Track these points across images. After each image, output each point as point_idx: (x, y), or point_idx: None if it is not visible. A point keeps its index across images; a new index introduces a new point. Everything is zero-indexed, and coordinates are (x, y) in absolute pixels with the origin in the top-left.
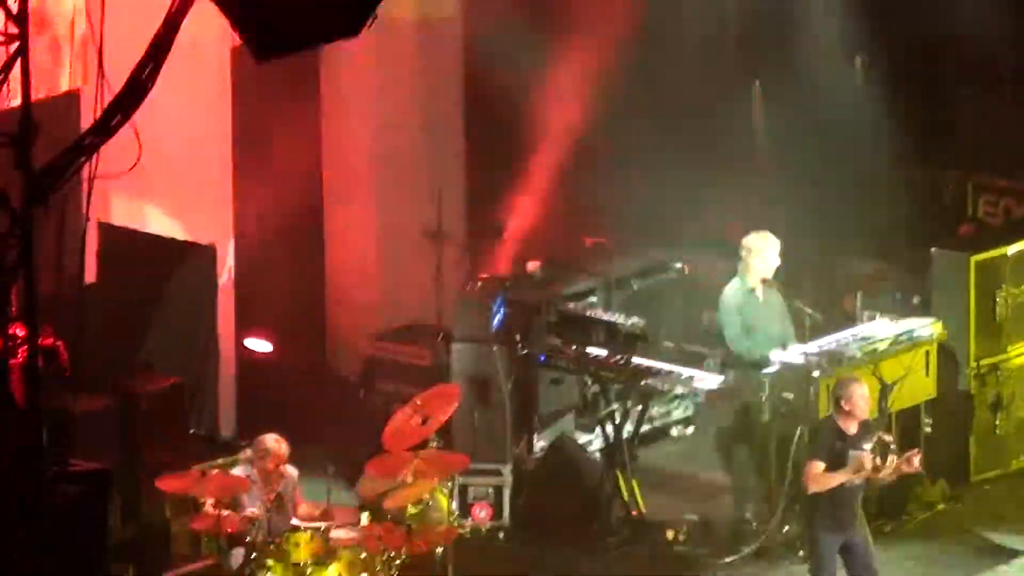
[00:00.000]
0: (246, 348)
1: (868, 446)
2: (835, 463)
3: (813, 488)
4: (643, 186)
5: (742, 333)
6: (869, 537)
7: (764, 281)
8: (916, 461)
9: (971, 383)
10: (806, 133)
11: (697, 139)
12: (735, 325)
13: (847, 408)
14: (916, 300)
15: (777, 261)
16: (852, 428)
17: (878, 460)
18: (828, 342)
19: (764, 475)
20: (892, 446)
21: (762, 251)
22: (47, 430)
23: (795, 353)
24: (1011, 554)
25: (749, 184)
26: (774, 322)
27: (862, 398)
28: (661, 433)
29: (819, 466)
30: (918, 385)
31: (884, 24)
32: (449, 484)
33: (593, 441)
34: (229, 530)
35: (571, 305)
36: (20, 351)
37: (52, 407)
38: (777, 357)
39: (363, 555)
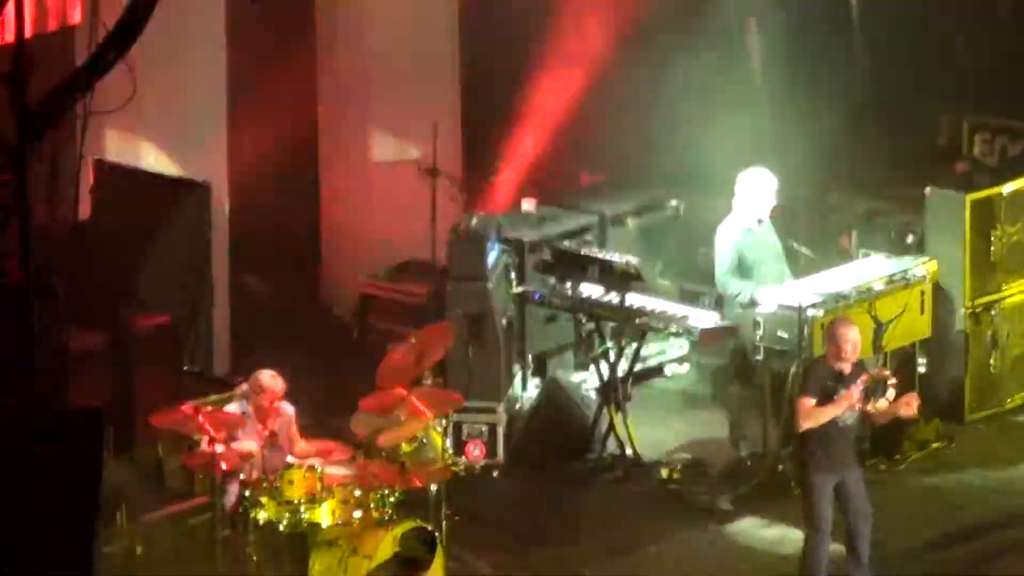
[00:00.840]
0: (240, 285)
1: (859, 383)
2: (825, 401)
3: (805, 424)
4: (639, 124)
5: (736, 271)
6: (861, 477)
7: (759, 220)
8: (914, 405)
9: (966, 322)
10: (802, 71)
11: (693, 76)
12: (728, 263)
13: (834, 349)
14: (911, 239)
15: (773, 200)
16: (845, 368)
17: (876, 398)
18: (823, 281)
19: (758, 414)
20: (891, 380)
21: (758, 189)
22: (40, 366)
23: (789, 292)
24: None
25: (745, 122)
26: (769, 261)
27: (849, 342)
28: (655, 371)
29: (810, 402)
30: (913, 324)
31: None
32: (443, 422)
33: (587, 379)
34: (223, 467)
35: (566, 243)
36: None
37: (46, 344)
38: (771, 296)
39: (357, 492)
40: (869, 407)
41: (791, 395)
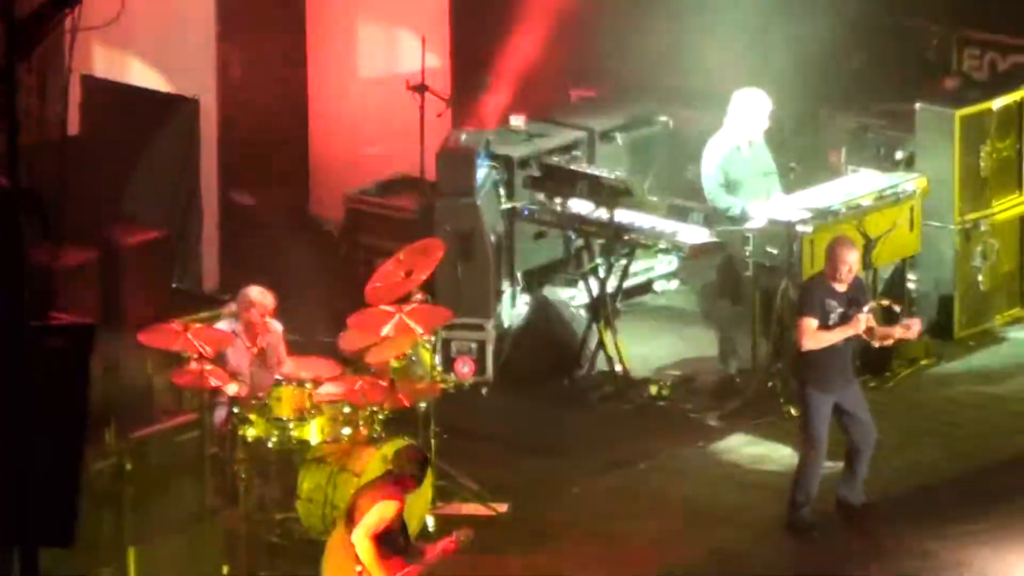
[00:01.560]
0: (230, 201)
1: (867, 308)
2: (825, 320)
3: (809, 345)
4: (629, 39)
5: (723, 188)
6: (861, 394)
7: (751, 141)
8: (916, 328)
9: (956, 239)
10: None
11: None
12: (716, 179)
13: (830, 269)
14: (900, 155)
15: (765, 122)
16: (841, 286)
17: (875, 326)
18: (812, 196)
19: (747, 330)
20: (897, 310)
21: (751, 109)
22: (29, 283)
23: (779, 207)
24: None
25: (735, 36)
26: (758, 180)
27: (846, 263)
28: (645, 288)
29: (813, 323)
30: (902, 241)
31: None
32: (432, 339)
33: (577, 296)
34: (212, 385)
35: (555, 159)
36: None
37: (34, 260)
38: (760, 212)
39: (346, 410)
40: (875, 341)
41: (780, 313)
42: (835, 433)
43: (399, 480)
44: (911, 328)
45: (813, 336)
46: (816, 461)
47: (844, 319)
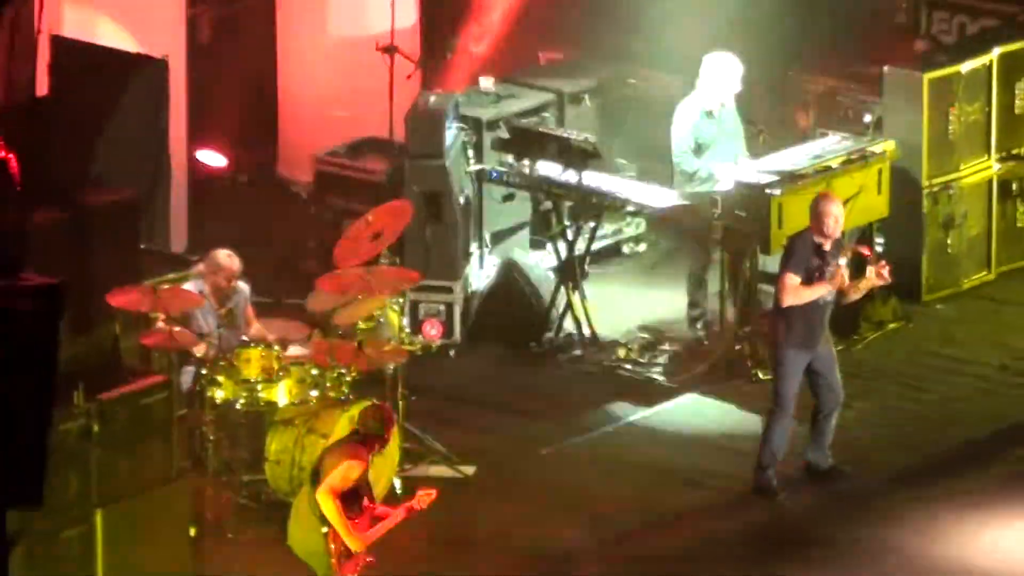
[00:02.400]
0: (198, 162)
1: (843, 260)
2: (808, 278)
3: (789, 301)
4: (599, 1)
5: (692, 152)
6: (835, 354)
7: (722, 104)
8: (886, 272)
9: (924, 202)
10: None
11: None
12: (686, 142)
13: (818, 224)
14: (868, 118)
15: (737, 86)
16: (827, 243)
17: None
18: (781, 159)
19: (716, 293)
20: (867, 254)
21: (722, 74)
22: None
23: (747, 170)
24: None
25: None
26: (727, 144)
27: (832, 216)
28: (613, 250)
29: (795, 279)
30: (870, 203)
31: None
32: (400, 301)
33: (545, 258)
34: (180, 346)
35: (524, 121)
36: None
37: (3, 220)
38: (728, 174)
39: (313, 371)
40: (851, 292)
41: (748, 274)
42: (804, 396)
43: (365, 440)
44: (882, 273)
45: (794, 292)
46: (783, 421)
47: (824, 274)
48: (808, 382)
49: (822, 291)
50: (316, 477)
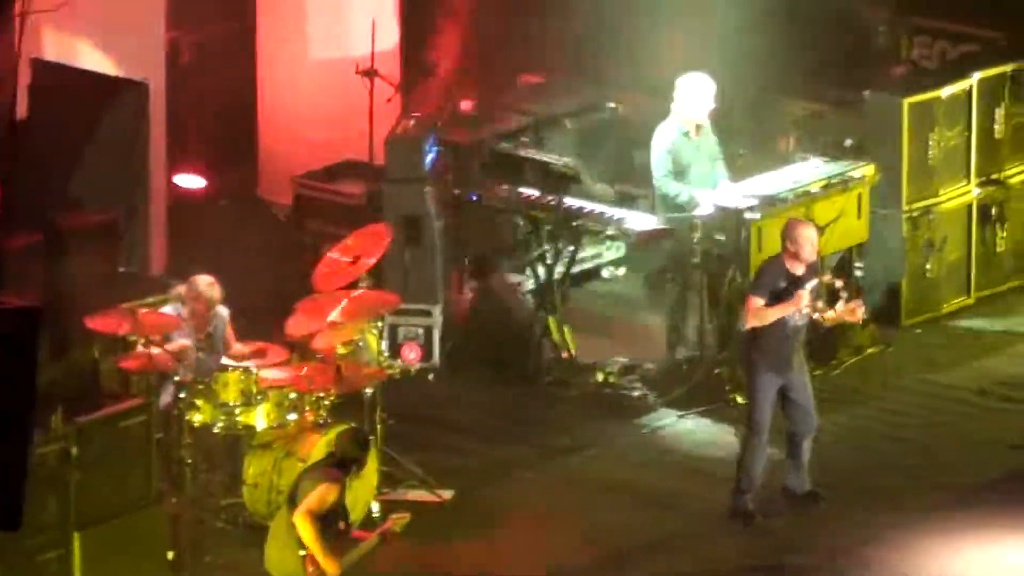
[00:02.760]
0: (177, 185)
1: (811, 284)
2: (776, 302)
3: (752, 322)
4: (579, 25)
5: (671, 175)
6: (809, 380)
7: (698, 125)
8: (860, 313)
9: (903, 227)
10: None
11: None
12: (664, 166)
13: (792, 250)
14: (849, 143)
15: (711, 104)
16: (799, 269)
17: (820, 303)
18: (760, 184)
19: (695, 317)
20: (840, 287)
21: (696, 94)
22: None
23: (727, 194)
24: None
25: (685, 23)
26: (704, 165)
27: (808, 241)
28: (592, 274)
29: (759, 301)
30: (850, 228)
31: None
32: (379, 325)
33: (524, 282)
34: (159, 369)
35: (504, 144)
36: None
37: None
38: (708, 198)
39: (292, 395)
40: (816, 314)
41: (727, 298)
42: (779, 421)
43: (341, 464)
44: (856, 311)
45: (756, 313)
46: (759, 446)
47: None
48: (782, 407)
49: (780, 313)
50: (293, 500)
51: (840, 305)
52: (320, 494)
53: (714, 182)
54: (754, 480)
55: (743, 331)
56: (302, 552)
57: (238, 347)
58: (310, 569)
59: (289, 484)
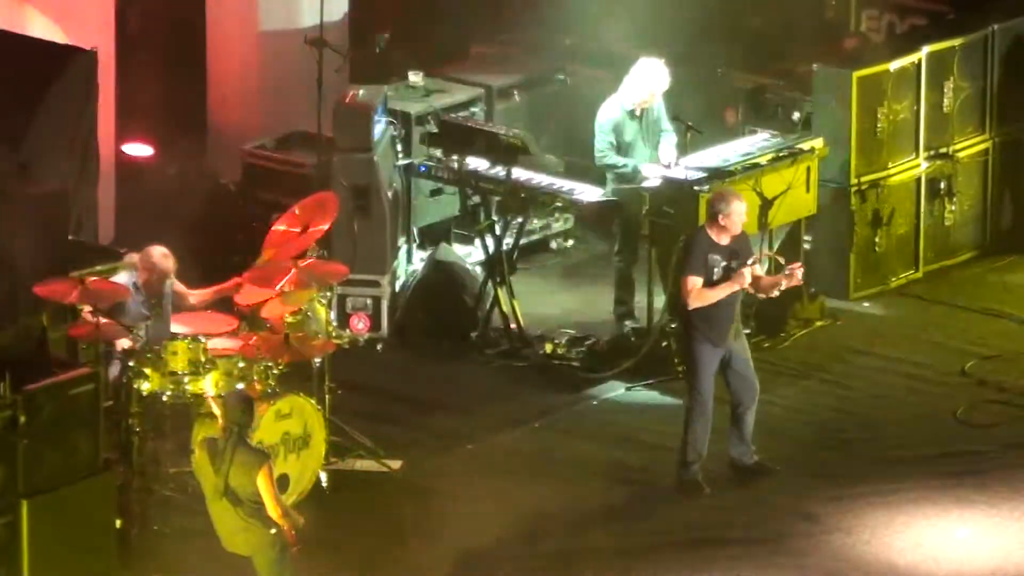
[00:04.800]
0: (126, 153)
1: (750, 260)
2: (709, 275)
3: (694, 304)
4: None
5: (613, 149)
6: (747, 348)
7: (644, 106)
8: (799, 274)
9: (852, 200)
10: None
11: None
12: (606, 140)
13: (723, 222)
14: (797, 116)
15: (661, 89)
16: (724, 240)
17: (762, 276)
18: (709, 156)
19: (643, 289)
20: (781, 261)
21: (649, 79)
22: None
23: (675, 166)
24: None
25: None
26: (648, 144)
27: (740, 213)
28: (541, 246)
29: (698, 281)
30: (798, 201)
31: None
32: (327, 294)
33: (472, 253)
34: (107, 338)
35: (452, 115)
36: None
37: None
38: (653, 171)
39: (240, 364)
40: (757, 287)
41: (676, 272)
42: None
43: (239, 433)
44: (793, 274)
45: (698, 294)
46: (703, 416)
47: (728, 272)
48: (723, 377)
49: (724, 293)
50: (234, 497)
51: (761, 266)
52: (267, 482)
53: (657, 158)
54: (700, 451)
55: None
56: (272, 530)
57: (197, 293)
58: (289, 536)
59: None
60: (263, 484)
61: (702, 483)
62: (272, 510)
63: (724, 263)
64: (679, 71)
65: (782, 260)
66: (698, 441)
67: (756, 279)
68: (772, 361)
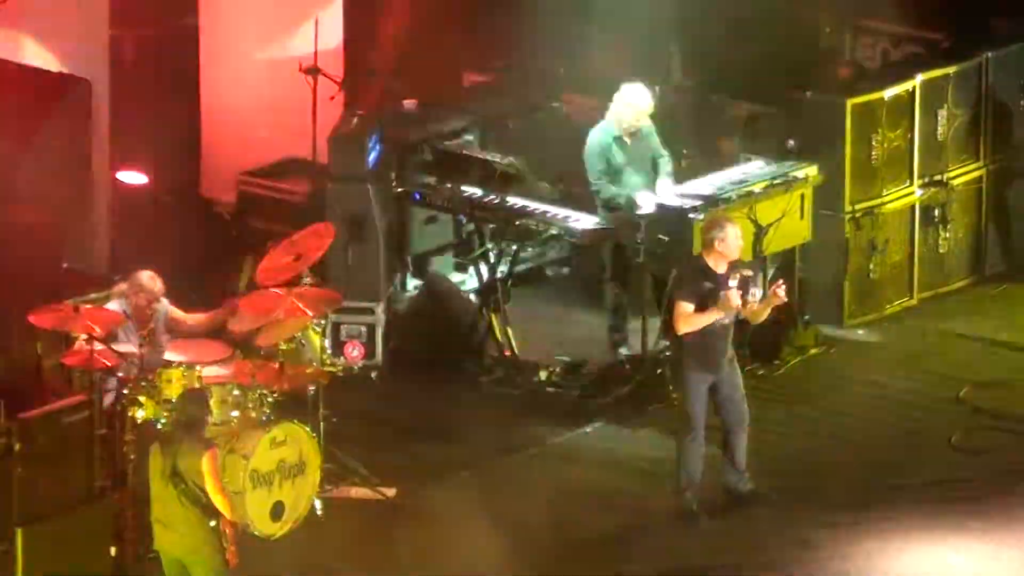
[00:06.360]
0: (120, 181)
1: (733, 283)
2: (703, 303)
3: (684, 329)
4: (523, 24)
5: (606, 178)
6: (739, 375)
7: (632, 131)
8: (781, 292)
9: (846, 227)
10: None
11: None
12: (597, 168)
13: (719, 248)
14: (792, 143)
15: (646, 113)
16: (721, 267)
17: (746, 296)
18: (704, 184)
19: (638, 317)
20: (751, 276)
21: (632, 103)
22: None
23: (670, 194)
24: None
25: (629, 23)
26: (639, 170)
27: (736, 238)
28: (536, 273)
29: (688, 307)
30: (793, 228)
31: None
32: (322, 322)
33: (467, 281)
34: (102, 365)
35: (447, 143)
36: None
37: None
38: (649, 200)
39: (235, 392)
40: (745, 308)
41: (670, 297)
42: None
43: (190, 425)
44: (775, 293)
45: (687, 320)
46: (695, 442)
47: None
48: (713, 403)
49: (714, 317)
50: (176, 475)
51: (758, 294)
52: (211, 463)
53: (646, 185)
54: (694, 478)
55: (672, 332)
56: (212, 523)
57: (193, 316)
58: (228, 531)
59: (233, 480)
60: (207, 464)
61: (698, 512)
62: (212, 488)
63: (719, 289)
64: (674, 99)
65: (749, 272)
66: (691, 467)
67: (744, 303)
68: (766, 388)
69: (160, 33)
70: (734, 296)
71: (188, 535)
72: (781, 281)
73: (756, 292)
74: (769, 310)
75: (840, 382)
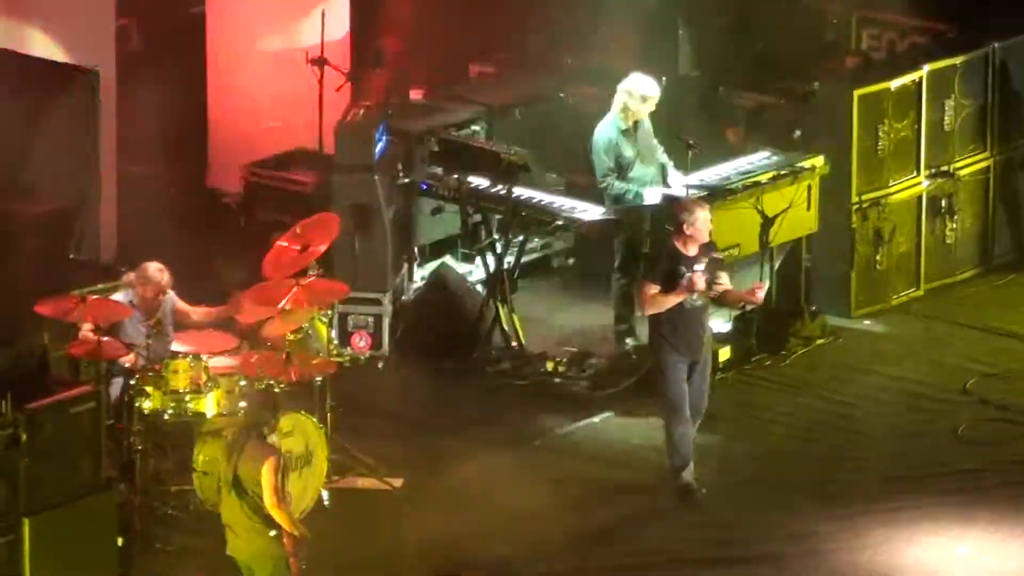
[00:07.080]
0: (127, 172)
1: (699, 266)
2: (670, 285)
3: (648, 310)
4: (530, 14)
5: (614, 173)
6: (710, 365)
7: (636, 121)
8: (760, 294)
9: (853, 218)
10: None
11: None
12: (605, 165)
13: (689, 232)
14: (798, 134)
15: (652, 105)
16: (691, 250)
17: (712, 279)
18: (710, 175)
19: None
20: (720, 259)
21: (639, 95)
22: None
23: (677, 185)
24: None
25: (635, 14)
26: (645, 160)
27: (705, 222)
28: (542, 264)
29: (652, 288)
30: (799, 219)
31: None
32: (328, 313)
33: (474, 271)
34: (109, 356)
35: (454, 134)
36: None
37: None
38: (655, 194)
39: (242, 383)
40: (712, 292)
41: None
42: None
43: (258, 430)
44: (756, 293)
45: (651, 301)
46: (681, 423)
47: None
48: None
49: (676, 299)
50: (239, 486)
51: (725, 277)
52: (271, 474)
53: (655, 176)
54: (685, 456)
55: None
56: (272, 532)
57: (200, 310)
58: (287, 543)
59: (242, 472)
60: (266, 475)
61: (695, 487)
62: (270, 503)
63: (690, 272)
64: (681, 90)
65: (719, 255)
66: (681, 446)
67: (724, 292)
68: (773, 379)
69: (167, 23)
70: (699, 279)
71: (251, 543)
72: (762, 283)
73: (723, 276)
74: (742, 304)
75: (847, 373)
